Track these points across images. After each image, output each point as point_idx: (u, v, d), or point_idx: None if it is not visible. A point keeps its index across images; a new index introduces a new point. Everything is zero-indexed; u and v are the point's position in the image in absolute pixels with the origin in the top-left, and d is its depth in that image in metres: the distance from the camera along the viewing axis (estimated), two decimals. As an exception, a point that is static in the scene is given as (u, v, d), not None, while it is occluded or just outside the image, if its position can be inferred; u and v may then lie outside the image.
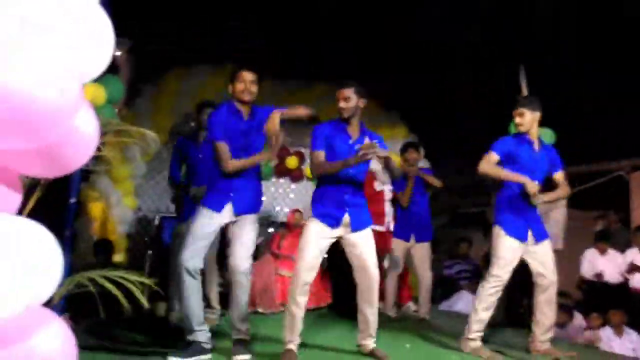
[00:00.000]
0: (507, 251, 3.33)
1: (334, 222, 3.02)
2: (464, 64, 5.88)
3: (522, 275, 5.55)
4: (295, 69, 6.42)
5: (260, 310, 4.87)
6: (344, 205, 3.04)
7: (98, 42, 1.19)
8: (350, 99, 3.06)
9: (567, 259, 6.24)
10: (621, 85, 5.22)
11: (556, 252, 6.34)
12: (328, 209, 3.02)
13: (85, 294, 2.06)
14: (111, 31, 1.24)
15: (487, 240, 7.01)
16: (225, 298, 4.43)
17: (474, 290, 5.83)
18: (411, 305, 5.26)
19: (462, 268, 6.17)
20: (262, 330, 3.90)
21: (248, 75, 3.01)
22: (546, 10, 4.72)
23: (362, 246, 3.07)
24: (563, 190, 3.52)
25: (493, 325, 3.84)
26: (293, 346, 2.99)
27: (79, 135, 1.17)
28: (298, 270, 2.97)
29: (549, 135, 4.83)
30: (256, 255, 5.19)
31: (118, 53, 6.00)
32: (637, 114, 5.38)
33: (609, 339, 4.66)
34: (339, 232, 3.05)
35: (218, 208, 2.98)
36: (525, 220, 3.38)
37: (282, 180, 7.04)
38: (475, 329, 3.37)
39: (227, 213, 2.99)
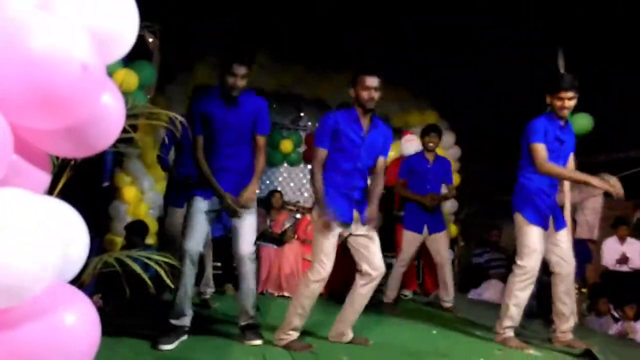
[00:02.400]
0: (534, 239, 3.20)
1: (346, 219, 2.95)
2: (497, 47, 5.71)
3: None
4: (324, 55, 6.38)
5: (286, 294, 4.93)
6: (353, 202, 2.98)
7: (123, 22, 1.20)
8: (378, 90, 2.93)
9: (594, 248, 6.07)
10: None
11: (592, 242, 6.21)
12: (338, 206, 2.91)
13: (119, 275, 2.12)
14: (136, 12, 1.24)
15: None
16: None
17: (503, 279, 5.76)
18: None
19: (491, 257, 6.07)
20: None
21: (240, 70, 2.88)
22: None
23: (372, 236, 3.03)
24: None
25: (529, 316, 3.77)
26: (297, 334, 3.00)
27: (104, 115, 1.18)
28: (319, 268, 2.89)
29: (587, 121, 4.67)
30: (284, 240, 5.25)
31: (151, 39, 6.08)
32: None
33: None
34: (349, 228, 2.98)
35: (207, 195, 2.97)
36: (546, 208, 3.27)
37: (310, 167, 7.03)
38: (506, 325, 3.28)
39: (216, 198, 2.97)
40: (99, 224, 4.69)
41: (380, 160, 3.09)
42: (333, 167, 2.97)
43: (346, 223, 2.95)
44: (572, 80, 3.19)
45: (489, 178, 6.63)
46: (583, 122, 4.67)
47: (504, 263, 6.08)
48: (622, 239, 5.52)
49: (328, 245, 2.89)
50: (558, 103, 3.17)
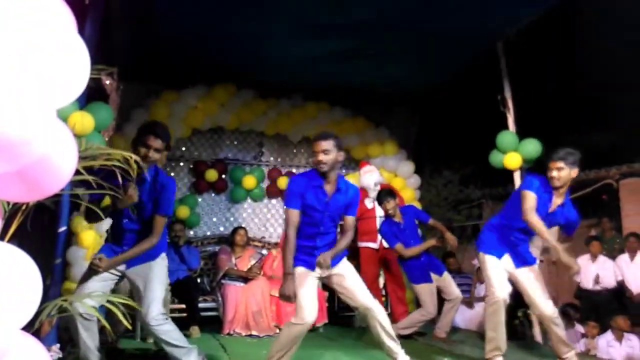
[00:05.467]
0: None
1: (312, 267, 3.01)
2: (451, 78, 5.96)
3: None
4: (284, 91, 6.50)
5: (254, 333, 4.83)
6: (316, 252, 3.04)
7: (72, 67, 1.22)
8: (330, 152, 2.94)
9: (563, 269, 6.26)
10: (607, 95, 5.31)
11: (552, 262, 6.40)
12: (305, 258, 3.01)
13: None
14: (86, 56, 1.26)
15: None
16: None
17: (469, 303, 5.83)
18: None
19: (456, 282, 6.13)
20: (256, 354, 3.87)
21: (155, 142, 2.91)
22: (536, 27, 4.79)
23: (347, 277, 3.07)
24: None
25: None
26: None
27: (53, 160, 1.18)
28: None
29: (535, 146, 4.87)
30: (249, 277, 5.19)
31: (108, 82, 6.07)
32: (623, 123, 5.46)
33: (608, 344, 4.65)
34: (319, 273, 3.03)
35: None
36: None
37: (274, 201, 7.04)
38: (489, 349, 3.38)
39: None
40: (57, 270, 4.53)
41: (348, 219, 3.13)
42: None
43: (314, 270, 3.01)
44: (562, 153, 3.32)
45: (449, 204, 6.79)
46: (532, 148, 4.87)
47: (469, 288, 6.16)
48: (594, 257, 5.67)
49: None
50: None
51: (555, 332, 3.38)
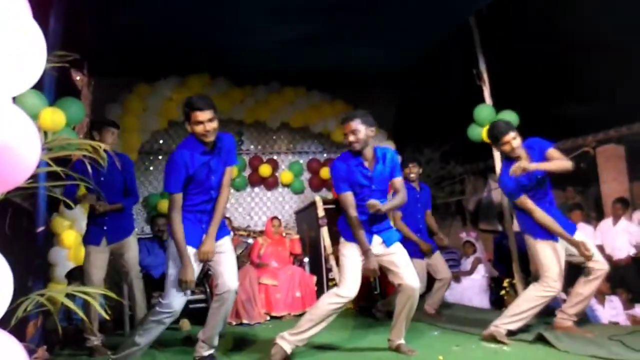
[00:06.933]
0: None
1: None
2: (427, 55, 5.95)
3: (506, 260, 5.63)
4: (261, 79, 6.44)
5: (245, 321, 4.83)
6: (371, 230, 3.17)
7: (27, 53, 1.17)
8: (359, 131, 3.05)
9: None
10: (581, 64, 5.34)
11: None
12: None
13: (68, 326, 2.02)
14: (42, 42, 1.21)
15: (466, 228, 7.09)
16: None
17: (456, 278, 5.89)
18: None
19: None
20: (248, 341, 3.88)
21: (204, 115, 2.92)
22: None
23: (399, 255, 3.17)
24: None
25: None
26: None
27: (12, 147, 1.14)
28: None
29: (512, 118, 4.90)
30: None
31: (78, 77, 5.94)
32: (598, 92, 5.51)
33: (592, 308, 4.74)
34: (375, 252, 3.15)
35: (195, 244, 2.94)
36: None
37: (257, 190, 7.01)
38: (509, 320, 3.40)
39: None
40: (38, 270, 4.46)
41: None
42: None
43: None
44: (506, 124, 3.51)
45: (432, 181, 6.82)
46: (509, 119, 4.88)
47: (456, 263, 6.22)
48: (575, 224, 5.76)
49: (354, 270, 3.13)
50: None
51: (594, 288, 3.45)
